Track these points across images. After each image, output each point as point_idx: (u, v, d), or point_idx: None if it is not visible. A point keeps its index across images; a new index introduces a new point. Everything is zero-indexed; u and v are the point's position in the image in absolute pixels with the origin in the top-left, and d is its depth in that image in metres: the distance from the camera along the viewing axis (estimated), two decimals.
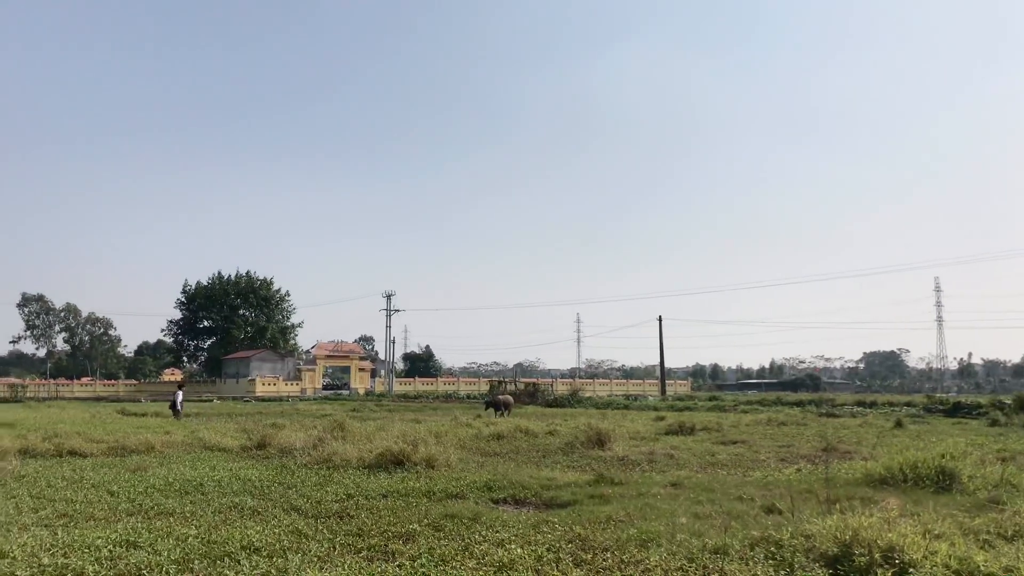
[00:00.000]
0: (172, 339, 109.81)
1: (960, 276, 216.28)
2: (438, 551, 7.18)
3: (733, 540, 7.28)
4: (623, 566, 6.68)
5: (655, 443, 19.37)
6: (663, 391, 73.33)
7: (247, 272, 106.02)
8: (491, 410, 33.80)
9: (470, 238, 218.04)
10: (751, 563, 6.56)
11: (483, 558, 6.92)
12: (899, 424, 27.13)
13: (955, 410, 35.33)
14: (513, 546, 7.30)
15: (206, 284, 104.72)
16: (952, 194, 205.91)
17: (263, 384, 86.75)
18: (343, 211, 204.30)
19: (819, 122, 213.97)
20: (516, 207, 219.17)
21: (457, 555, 7.05)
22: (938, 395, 52.00)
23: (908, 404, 41.85)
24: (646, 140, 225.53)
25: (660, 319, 75.14)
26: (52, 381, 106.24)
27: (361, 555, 7.22)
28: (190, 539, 7.67)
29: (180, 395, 33.46)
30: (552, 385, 69.16)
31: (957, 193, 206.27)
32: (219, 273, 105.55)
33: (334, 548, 7.46)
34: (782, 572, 6.31)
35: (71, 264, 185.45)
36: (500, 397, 37.05)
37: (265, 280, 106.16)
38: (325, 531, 8.24)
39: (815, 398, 47.96)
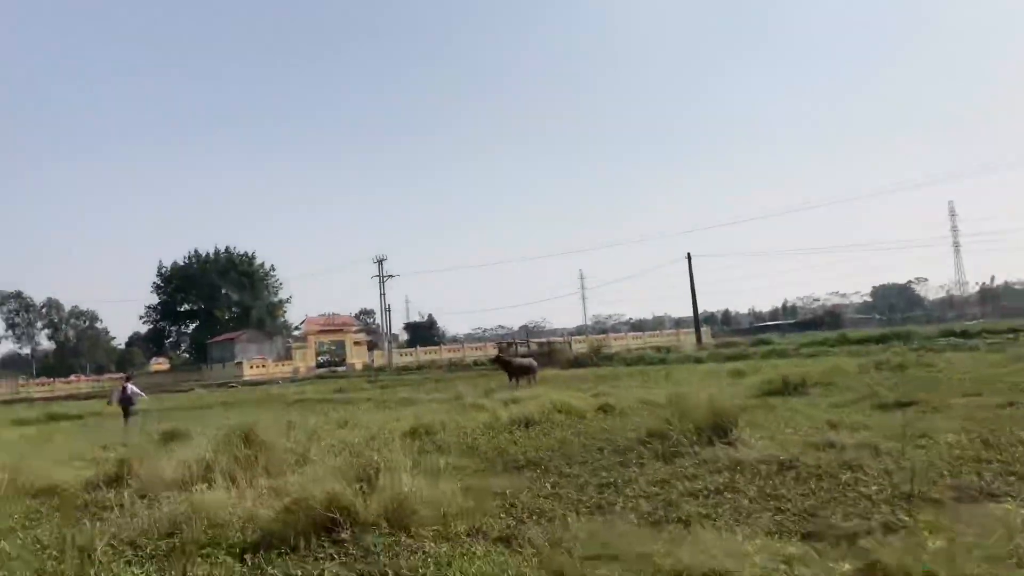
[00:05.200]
0: (152, 326, 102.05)
1: (974, 191, 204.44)
2: None
3: None
4: None
5: (793, 421, 11.63)
6: (699, 339, 65.28)
7: (226, 248, 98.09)
8: (513, 379, 26.22)
9: (462, 194, 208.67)
10: None
11: None
12: None
13: None
14: None
15: (183, 264, 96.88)
16: (955, 102, 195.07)
17: (251, 367, 79.64)
18: (324, 174, 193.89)
19: (816, 46, 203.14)
20: (503, 162, 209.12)
21: None
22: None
23: (1012, 331, 34.46)
24: (642, 79, 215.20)
25: (689, 257, 66.70)
26: (32, 381, 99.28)
27: None
28: None
29: (130, 388, 22.78)
30: (569, 343, 61.40)
31: (960, 100, 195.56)
32: (196, 251, 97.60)
33: None
34: None
35: (45, 256, 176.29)
36: (519, 360, 29.43)
37: (246, 255, 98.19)
38: None
39: (882, 334, 40.21)
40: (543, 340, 65.94)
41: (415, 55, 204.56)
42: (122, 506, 8.21)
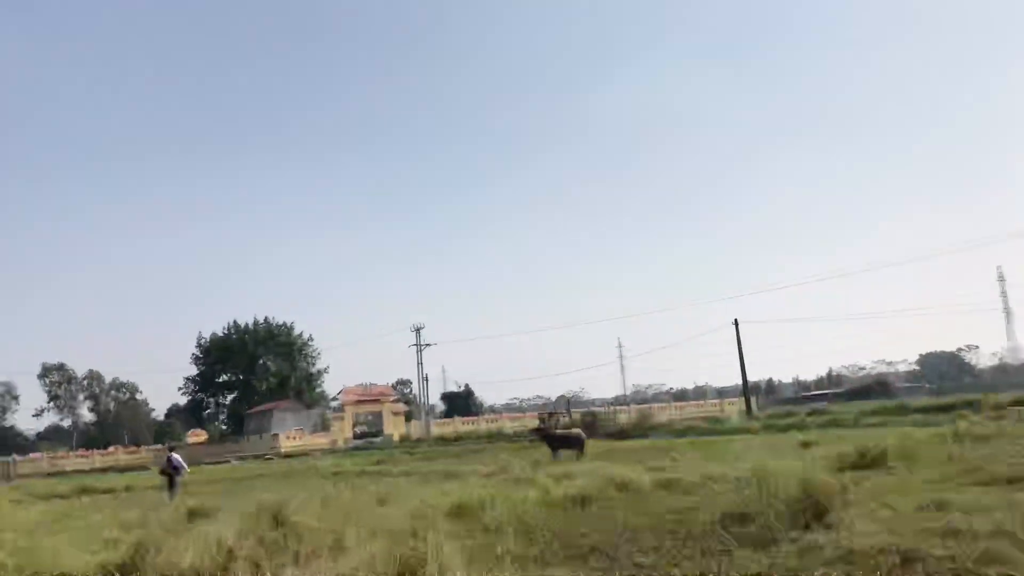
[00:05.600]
0: (190, 397, 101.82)
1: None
2: None
3: None
4: None
5: (885, 499, 10.24)
6: (749, 409, 62.76)
7: (265, 318, 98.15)
8: (557, 452, 24.73)
9: (496, 262, 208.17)
10: None
11: None
12: None
13: None
14: None
15: (222, 335, 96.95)
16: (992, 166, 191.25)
17: (287, 439, 78.45)
18: (360, 242, 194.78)
19: (831, 119, 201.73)
20: (539, 228, 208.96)
21: None
22: None
23: None
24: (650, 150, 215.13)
25: (736, 323, 64.51)
26: (71, 453, 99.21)
27: None
28: None
29: (175, 459, 22.57)
30: (613, 413, 59.48)
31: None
32: (235, 322, 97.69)
33: None
34: None
35: (87, 329, 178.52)
36: (563, 432, 27.90)
37: (285, 325, 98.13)
38: None
39: (946, 403, 38.12)
40: (585, 410, 64.02)
41: (449, 120, 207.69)
42: None
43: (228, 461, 61.20)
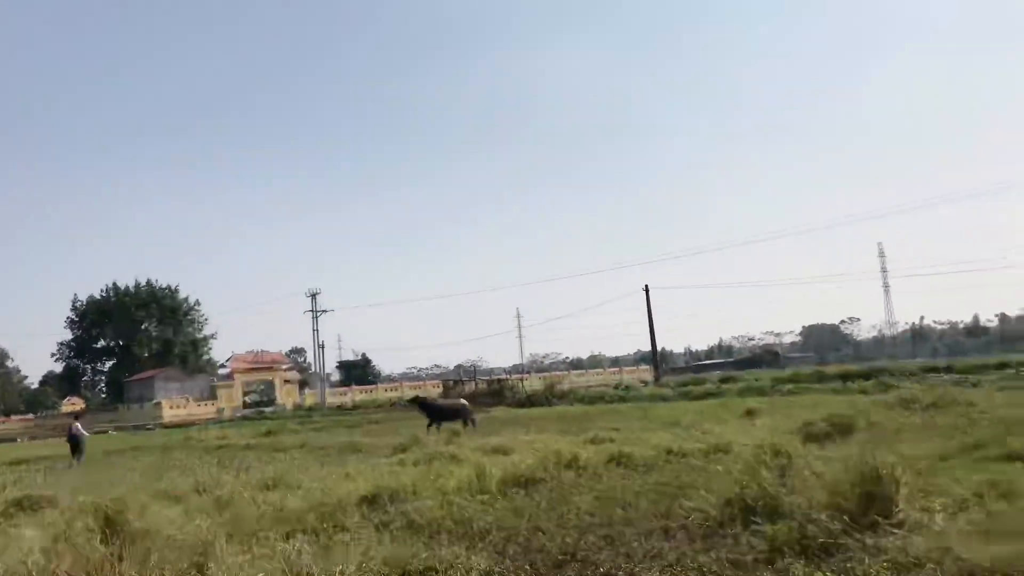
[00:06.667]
0: (64, 363, 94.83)
1: (902, 231, 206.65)
2: None
3: None
4: None
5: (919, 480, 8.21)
6: (657, 377, 61.75)
7: (147, 281, 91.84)
8: (434, 426, 21.84)
9: (395, 227, 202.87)
10: None
11: None
12: None
13: None
14: None
15: (99, 298, 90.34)
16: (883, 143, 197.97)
17: (170, 408, 73.84)
18: (253, 203, 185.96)
19: (721, 87, 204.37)
20: (439, 194, 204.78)
21: None
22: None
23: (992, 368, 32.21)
24: (568, 129, 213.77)
25: (647, 289, 62.92)
26: None
27: None
28: None
29: (77, 426, 25.25)
30: (520, 381, 57.40)
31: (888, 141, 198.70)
32: (114, 284, 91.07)
33: None
34: None
35: None
36: (449, 401, 25.67)
37: (169, 288, 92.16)
38: None
39: (858, 371, 37.52)
40: (492, 378, 61.66)
41: (358, 73, 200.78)
42: None
43: (106, 432, 56.67)
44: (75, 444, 24.16)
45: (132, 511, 6.16)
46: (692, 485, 8.67)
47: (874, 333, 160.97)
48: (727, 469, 9.28)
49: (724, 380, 41.77)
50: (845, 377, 34.36)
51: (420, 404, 24.35)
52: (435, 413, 22.83)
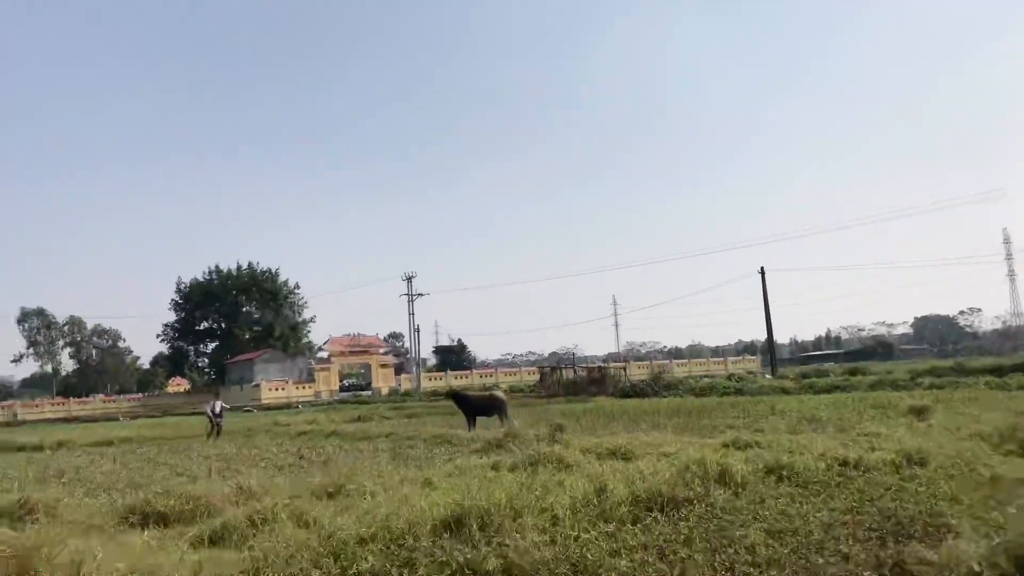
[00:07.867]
0: (169, 345, 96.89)
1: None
2: None
3: None
4: None
5: None
6: (773, 369, 57.34)
7: (248, 264, 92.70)
8: (474, 420, 20.15)
9: (492, 214, 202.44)
10: None
11: None
12: None
13: None
14: None
15: (203, 280, 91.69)
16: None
17: (269, 390, 74.15)
18: (352, 189, 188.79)
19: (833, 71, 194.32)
20: (535, 181, 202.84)
21: None
22: None
23: None
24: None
25: (763, 271, 58.29)
26: (48, 401, 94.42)
27: None
28: None
29: (218, 405, 27.30)
30: (624, 369, 54.26)
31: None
32: (216, 267, 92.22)
33: None
34: None
35: (69, 273, 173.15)
36: (483, 394, 23.77)
37: (270, 271, 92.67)
38: None
39: (1012, 364, 33.14)
40: (592, 366, 58.55)
41: (441, 64, 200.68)
42: None
43: (204, 413, 56.86)
44: (216, 420, 25.92)
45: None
46: (909, 517, 6.05)
47: (997, 325, 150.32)
48: (936, 492, 6.65)
49: (851, 372, 37.94)
50: (995, 371, 30.22)
51: (453, 396, 22.61)
52: (467, 407, 21.01)
